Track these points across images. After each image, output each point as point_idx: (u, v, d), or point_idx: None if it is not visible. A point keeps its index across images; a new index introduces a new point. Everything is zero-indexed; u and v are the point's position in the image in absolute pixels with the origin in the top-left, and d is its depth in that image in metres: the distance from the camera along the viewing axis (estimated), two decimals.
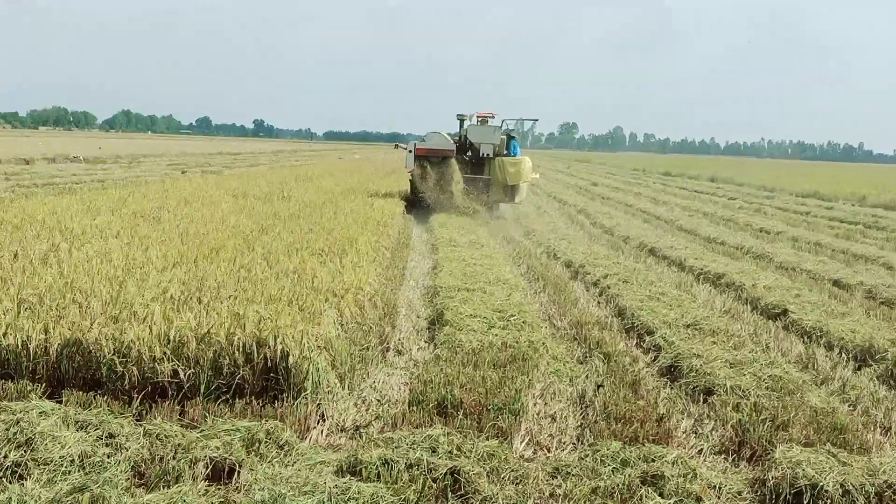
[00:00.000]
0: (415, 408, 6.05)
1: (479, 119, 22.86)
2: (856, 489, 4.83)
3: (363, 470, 4.82)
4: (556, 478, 5.07)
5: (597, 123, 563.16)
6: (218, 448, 4.96)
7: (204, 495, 4.50)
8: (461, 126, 23.24)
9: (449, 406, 6.02)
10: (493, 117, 22.88)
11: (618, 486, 4.82)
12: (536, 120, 30.41)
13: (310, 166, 41.27)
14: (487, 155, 22.08)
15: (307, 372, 6.07)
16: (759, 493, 5.00)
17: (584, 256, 14.13)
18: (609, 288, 11.25)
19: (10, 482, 4.45)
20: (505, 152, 22.32)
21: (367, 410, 6.22)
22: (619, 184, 42.75)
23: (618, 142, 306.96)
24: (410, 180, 23.25)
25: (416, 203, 22.20)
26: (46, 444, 4.77)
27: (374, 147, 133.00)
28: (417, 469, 4.85)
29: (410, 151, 22.01)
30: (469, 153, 22.45)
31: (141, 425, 5.28)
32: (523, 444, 5.70)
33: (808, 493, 4.83)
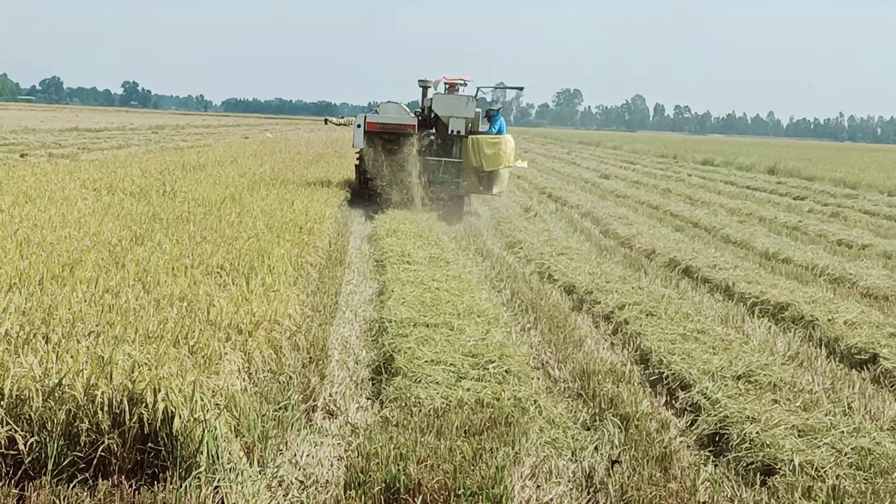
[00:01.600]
0: (353, 492, 6.06)
1: (447, 86, 23.57)
2: None
3: None
4: None
5: (608, 92, 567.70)
6: None
7: None
8: (424, 95, 24.16)
9: (402, 490, 6.04)
10: (466, 84, 23.62)
11: None
12: (521, 88, 31.33)
13: (203, 149, 41.10)
14: (458, 132, 22.76)
15: (200, 441, 6.05)
16: None
17: (592, 279, 14.21)
18: (627, 323, 11.33)
19: None
20: (483, 129, 23.19)
21: (285, 496, 6.21)
22: (639, 176, 43.06)
23: (638, 117, 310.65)
24: (357, 165, 23.99)
25: (364, 195, 23.07)
26: None
27: (294, 122, 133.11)
28: None
29: (360, 126, 22.71)
30: (435, 130, 23.12)
31: None
32: None
33: None
